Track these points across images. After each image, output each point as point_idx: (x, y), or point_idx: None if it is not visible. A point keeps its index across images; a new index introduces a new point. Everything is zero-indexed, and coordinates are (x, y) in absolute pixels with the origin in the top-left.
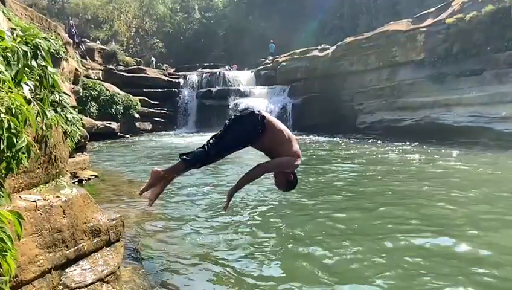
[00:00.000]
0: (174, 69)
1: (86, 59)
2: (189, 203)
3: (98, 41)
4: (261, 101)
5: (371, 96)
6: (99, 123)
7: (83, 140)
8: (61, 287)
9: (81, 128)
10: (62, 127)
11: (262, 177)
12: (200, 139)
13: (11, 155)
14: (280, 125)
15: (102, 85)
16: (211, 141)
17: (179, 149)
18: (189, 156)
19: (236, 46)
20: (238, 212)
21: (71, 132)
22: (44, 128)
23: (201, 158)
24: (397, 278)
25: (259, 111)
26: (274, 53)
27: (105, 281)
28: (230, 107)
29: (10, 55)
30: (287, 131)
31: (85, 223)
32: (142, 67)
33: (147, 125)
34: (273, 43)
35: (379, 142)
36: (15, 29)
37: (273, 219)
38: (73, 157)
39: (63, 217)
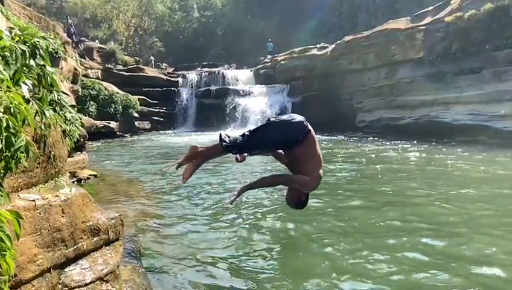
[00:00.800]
0: (173, 68)
1: (84, 58)
2: (188, 203)
3: (96, 41)
4: (261, 100)
5: (370, 95)
6: (98, 122)
7: (82, 139)
8: (60, 286)
9: (80, 127)
10: (61, 126)
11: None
12: (198, 139)
13: (9, 154)
14: (318, 145)
15: (101, 84)
16: (252, 130)
17: (177, 149)
18: (228, 141)
19: (235, 45)
20: (238, 211)
21: (70, 131)
22: (43, 127)
23: (238, 146)
24: (398, 276)
25: (307, 123)
26: (272, 52)
27: (105, 280)
28: (229, 106)
29: (8, 55)
30: (320, 153)
31: (84, 222)
32: (141, 66)
33: (146, 125)
34: (271, 42)
35: (378, 140)
36: (13, 28)
37: (272, 218)
38: (73, 156)
39: (62, 216)
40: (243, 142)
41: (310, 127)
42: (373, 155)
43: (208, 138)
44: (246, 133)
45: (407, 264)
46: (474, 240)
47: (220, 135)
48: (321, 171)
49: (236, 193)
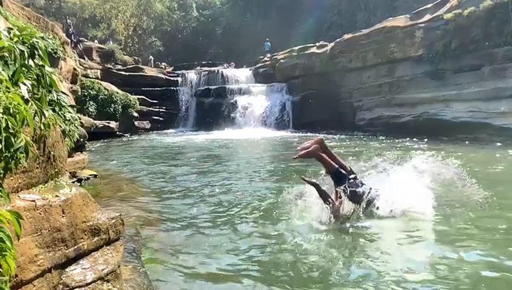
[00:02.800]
0: (172, 68)
1: (84, 58)
2: (189, 203)
3: (95, 41)
4: (260, 98)
5: (369, 93)
6: (98, 122)
7: (81, 139)
8: (61, 286)
9: (79, 127)
10: (61, 126)
11: (268, 179)
12: (197, 138)
13: (9, 155)
14: None
15: (101, 84)
16: (355, 181)
17: (176, 148)
18: (340, 171)
19: (234, 44)
20: (239, 212)
21: (70, 131)
22: (43, 127)
23: (339, 179)
24: (398, 275)
25: None
26: (270, 51)
27: (106, 280)
28: (228, 105)
29: (7, 55)
30: None
31: (84, 222)
32: (140, 66)
33: (146, 124)
34: (268, 41)
35: (379, 138)
36: (12, 29)
37: (272, 218)
38: (72, 156)
39: (63, 216)
40: (343, 179)
41: None
42: (374, 153)
43: (206, 138)
44: (348, 178)
45: (405, 265)
46: (476, 243)
47: (342, 168)
48: None
49: (310, 180)
